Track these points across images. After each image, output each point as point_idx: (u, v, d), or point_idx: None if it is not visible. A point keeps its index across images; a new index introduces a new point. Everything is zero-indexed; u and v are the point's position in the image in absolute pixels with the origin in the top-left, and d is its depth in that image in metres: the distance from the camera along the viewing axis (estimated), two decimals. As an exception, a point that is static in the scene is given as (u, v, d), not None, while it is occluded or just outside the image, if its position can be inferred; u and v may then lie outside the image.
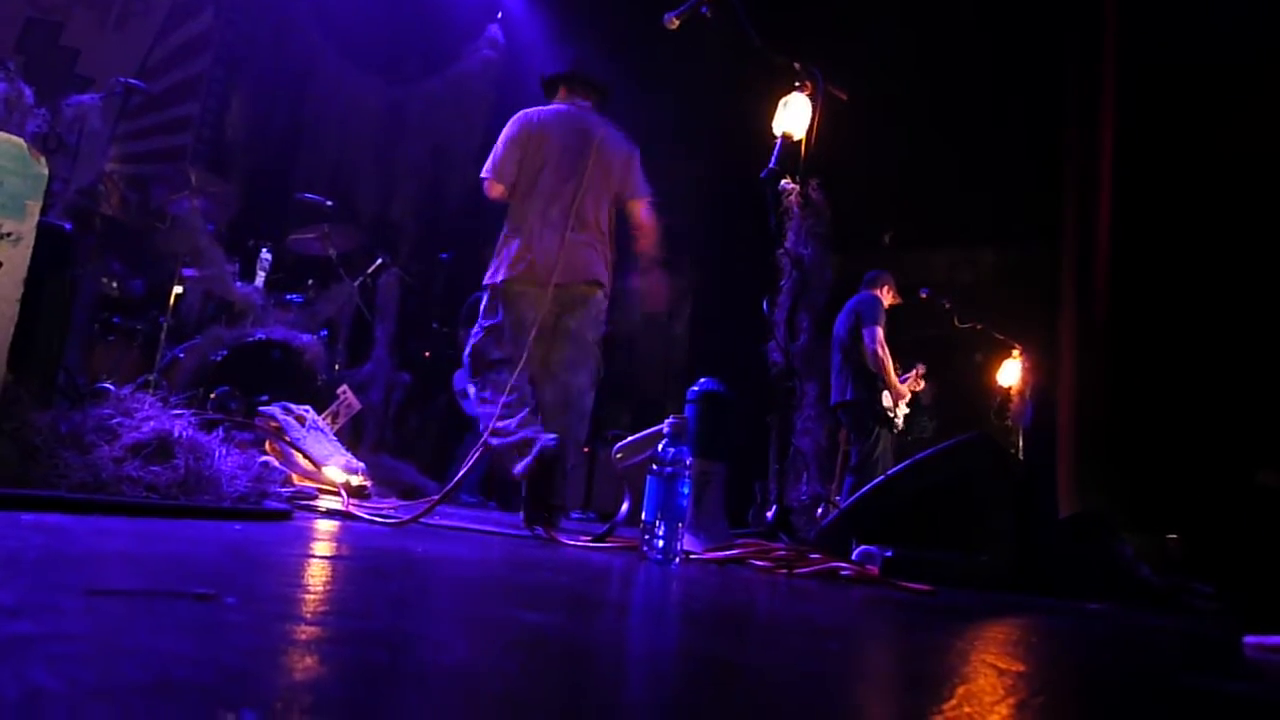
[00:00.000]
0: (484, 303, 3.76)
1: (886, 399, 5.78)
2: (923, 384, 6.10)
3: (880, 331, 5.80)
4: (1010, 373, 6.23)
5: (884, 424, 5.78)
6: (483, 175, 3.84)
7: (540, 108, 3.96)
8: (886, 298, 6.01)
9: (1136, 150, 5.71)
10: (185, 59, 6.99)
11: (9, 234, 2.25)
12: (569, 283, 3.70)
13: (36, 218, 2.31)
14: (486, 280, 3.75)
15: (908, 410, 5.98)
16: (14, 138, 2.23)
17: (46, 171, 2.35)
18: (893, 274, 6.15)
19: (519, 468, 3.29)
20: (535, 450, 3.23)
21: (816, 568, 2.51)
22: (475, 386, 3.73)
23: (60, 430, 2.03)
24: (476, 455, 3.43)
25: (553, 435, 3.30)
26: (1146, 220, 5.63)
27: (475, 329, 3.77)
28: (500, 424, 3.46)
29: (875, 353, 5.73)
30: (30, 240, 2.27)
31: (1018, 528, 3.17)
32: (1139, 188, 5.71)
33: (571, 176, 3.77)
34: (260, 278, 5.60)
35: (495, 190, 3.82)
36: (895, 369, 6.03)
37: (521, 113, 3.89)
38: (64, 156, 4.77)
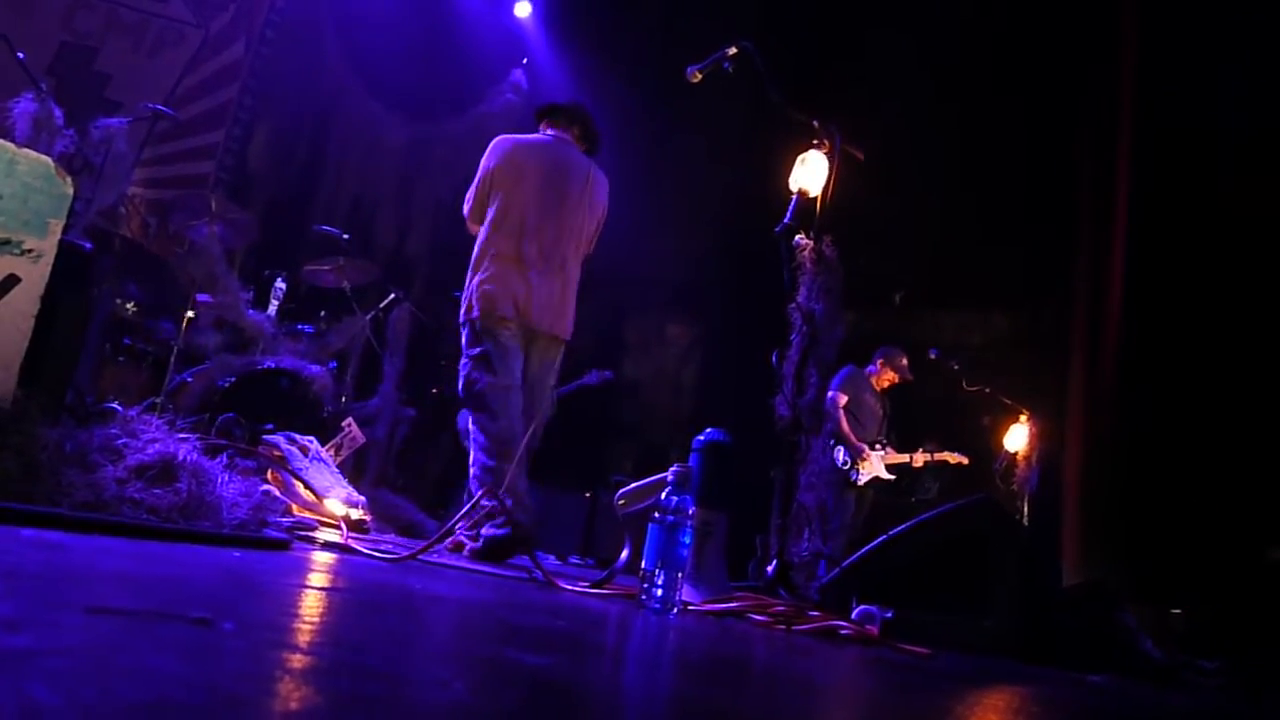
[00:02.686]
0: (465, 336, 3.73)
1: (840, 454, 5.89)
2: (921, 463, 6.19)
3: (842, 398, 6.08)
4: (1017, 437, 6.21)
5: (843, 482, 5.92)
6: (465, 211, 3.85)
7: (520, 135, 3.93)
8: (881, 375, 6.19)
9: (1149, 216, 5.74)
10: (214, 89, 7.11)
11: (30, 250, 2.27)
12: (543, 331, 3.72)
13: (58, 236, 2.33)
14: (465, 316, 3.70)
15: (890, 477, 6.05)
16: (42, 156, 2.27)
17: (71, 191, 2.38)
18: (901, 350, 6.28)
19: (486, 533, 3.33)
20: (504, 532, 3.27)
21: (815, 625, 2.48)
22: (471, 419, 3.70)
23: (65, 448, 2.03)
24: (478, 497, 3.41)
25: (524, 517, 3.34)
26: (1158, 288, 5.64)
27: (463, 361, 3.74)
28: (487, 465, 3.49)
29: (829, 413, 5.86)
30: (51, 258, 2.29)
31: (1020, 593, 3.13)
32: (1151, 254, 5.74)
33: (551, 215, 3.74)
34: (273, 307, 5.64)
35: (469, 225, 3.86)
36: (880, 444, 6.12)
37: (498, 141, 3.85)
38: (89, 177, 4.84)
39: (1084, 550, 6.07)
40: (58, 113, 4.05)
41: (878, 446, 6.11)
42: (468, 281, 3.72)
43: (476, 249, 3.75)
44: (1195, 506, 5.29)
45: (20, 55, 4.20)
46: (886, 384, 6.26)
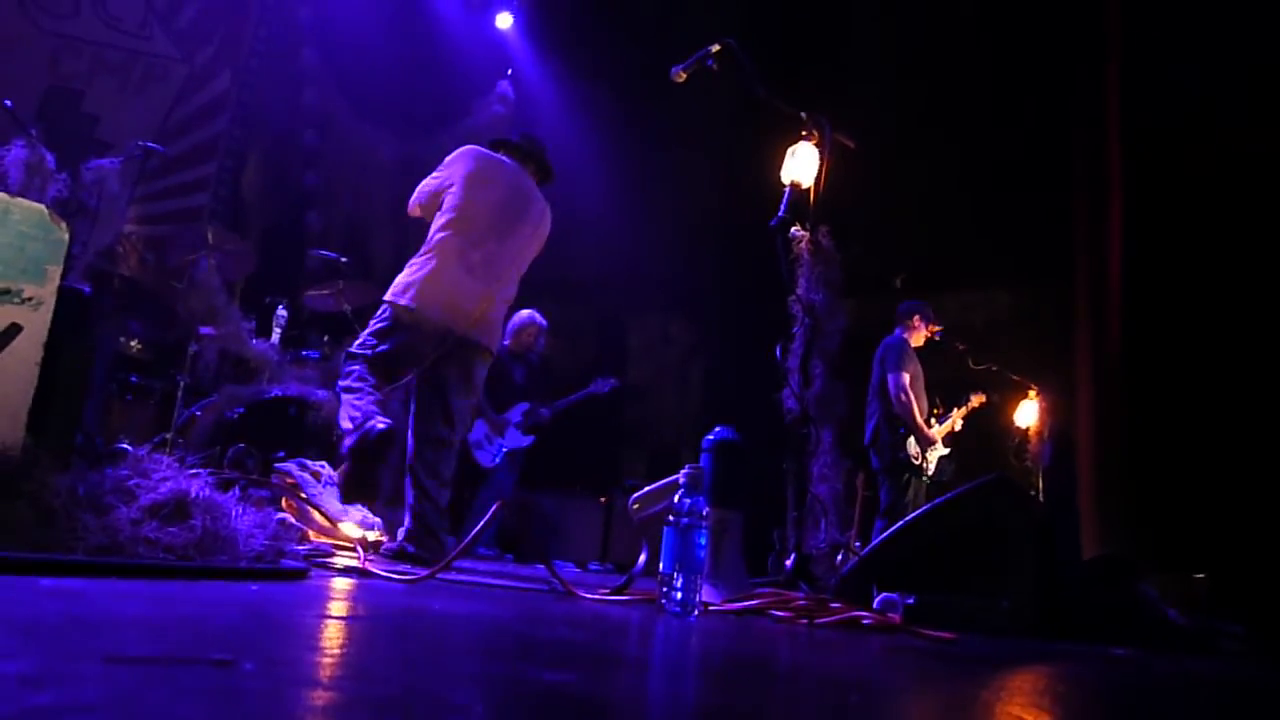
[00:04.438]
0: (383, 317, 3.73)
1: (912, 446, 5.73)
2: (960, 423, 6.04)
3: (905, 378, 5.76)
4: (1028, 413, 6.19)
5: (911, 471, 5.74)
6: (412, 196, 3.88)
7: (491, 152, 3.99)
8: (916, 336, 5.98)
9: (1146, 185, 5.73)
10: (202, 121, 7.13)
11: (30, 298, 2.28)
12: (476, 341, 3.72)
13: (57, 282, 2.34)
14: (393, 297, 3.70)
15: (946, 451, 5.92)
16: (36, 205, 2.28)
17: (67, 236, 2.39)
18: (927, 304, 6.10)
19: (348, 442, 3.42)
20: (364, 429, 3.37)
21: (837, 617, 2.48)
22: (351, 377, 3.67)
23: (78, 493, 2.04)
24: (493, 510, 3.42)
25: (387, 420, 3.39)
26: (1159, 255, 5.63)
27: (364, 337, 3.74)
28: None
29: (899, 399, 5.71)
30: (51, 304, 2.30)
31: (1040, 571, 3.13)
32: (1150, 221, 5.72)
33: (506, 236, 3.81)
34: (276, 335, 5.65)
35: (415, 212, 3.90)
36: (938, 411, 5.99)
37: (475, 149, 3.92)
38: (84, 219, 4.86)
39: (1102, 521, 6.05)
40: (49, 158, 4.07)
41: (934, 421, 5.96)
42: (410, 267, 3.74)
43: (429, 239, 3.78)
44: (1212, 470, 5.28)
45: (8, 103, 4.21)
46: (920, 343, 6.06)
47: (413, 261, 3.76)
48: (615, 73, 7.24)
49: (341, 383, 3.70)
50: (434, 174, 3.89)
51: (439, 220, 3.77)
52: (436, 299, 3.63)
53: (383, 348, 3.66)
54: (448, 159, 3.88)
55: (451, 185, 3.79)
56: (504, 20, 7.82)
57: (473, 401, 3.93)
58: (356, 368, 3.68)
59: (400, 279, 3.74)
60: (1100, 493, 6.03)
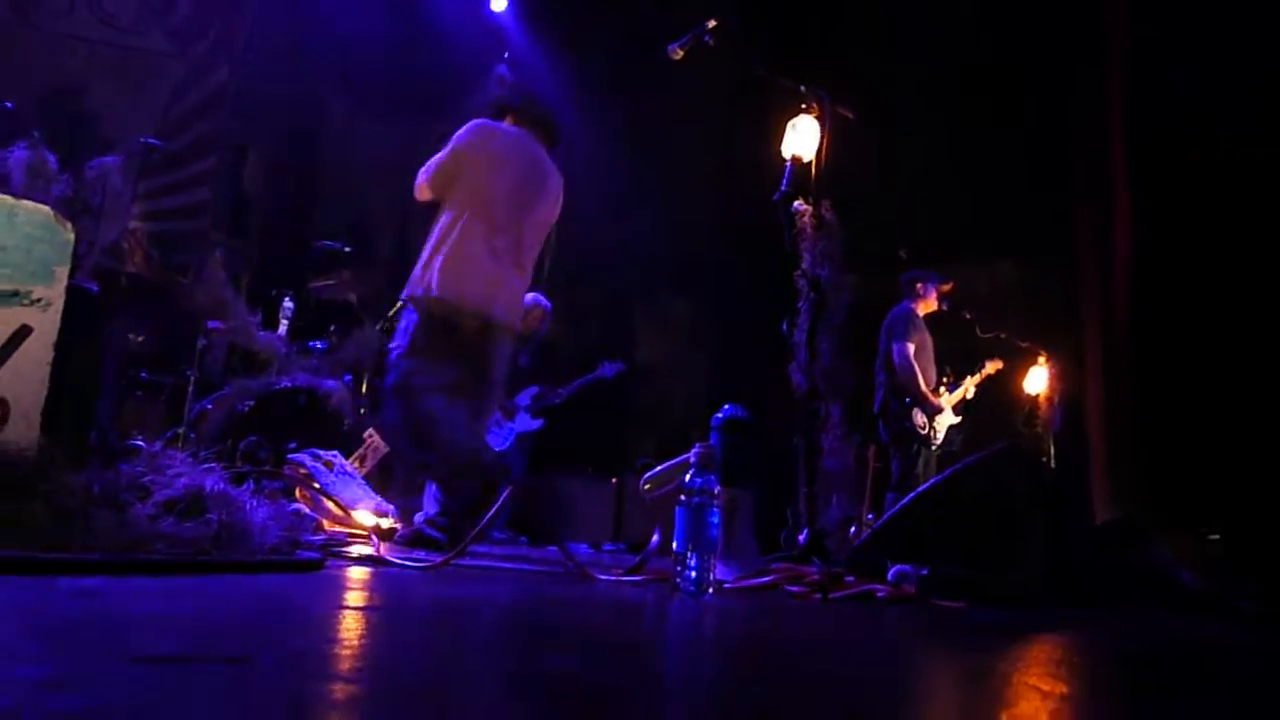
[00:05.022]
0: (411, 319, 3.53)
1: (918, 416, 5.73)
2: (974, 390, 6.01)
3: (909, 347, 5.75)
4: (1037, 380, 6.17)
5: (919, 441, 5.74)
6: (420, 178, 3.71)
7: (499, 124, 3.84)
8: (923, 305, 5.96)
9: (1148, 151, 5.69)
10: (202, 116, 7.12)
11: (39, 300, 2.29)
12: (501, 321, 3.64)
13: (65, 282, 2.35)
14: (414, 292, 3.52)
15: (956, 420, 5.91)
16: (42, 206, 2.28)
17: (73, 236, 2.40)
18: (936, 273, 6.07)
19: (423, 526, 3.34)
20: (440, 537, 3.28)
21: (851, 591, 2.49)
22: (400, 415, 3.48)
23: (94, 491, 2.06)
24: (505, 495, 3.43)
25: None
26: (1165, 215, 5.60)
27: (398, 351, 3.51)
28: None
29: (904, 368, 5.70)
30: (60, 305, 2.31)
31: (1052, 538, 3.13)
32: (1154, 183, 5.69)
33: (527, 214, 3.71)
34: (283, 326, 5.67)
35: (425, 195, 3.72)
36: (946, 381, 5.97)
37: (481, 123, 3.75)
38: (89, 218, 4.86)
39: (1114, 485, 6.05)
40: (51, 158, 4.06)
41: (942, 390, 5.93)
42: (426, 258, 3.56)
43: (440, 227, 3.62)
44: (1223, 431, 5.26)
45: (9, 105, 4.21)
46: (930, 310, 6.02)
47: (431, 250, 3.57)
48: (613, 51, 7.19)
49: (403, 406, 3.48)
50: (444, 153, 3.69)
51: (455, 203, 3.62)
52: (466, 285, 3.51)
53: (422, 342, 3.47)
54: (457, 135, 3.68)
55: (465, 165, 3.64)
56: (498, 2, 7.75)
57: (503, 383, 3.89)
58: (399, 407, 3.49)
59: (420, 270, 3.55)
60: (1112, 456, 6.02)
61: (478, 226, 3.59)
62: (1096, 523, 4.24)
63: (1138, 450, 5.79)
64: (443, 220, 3.65)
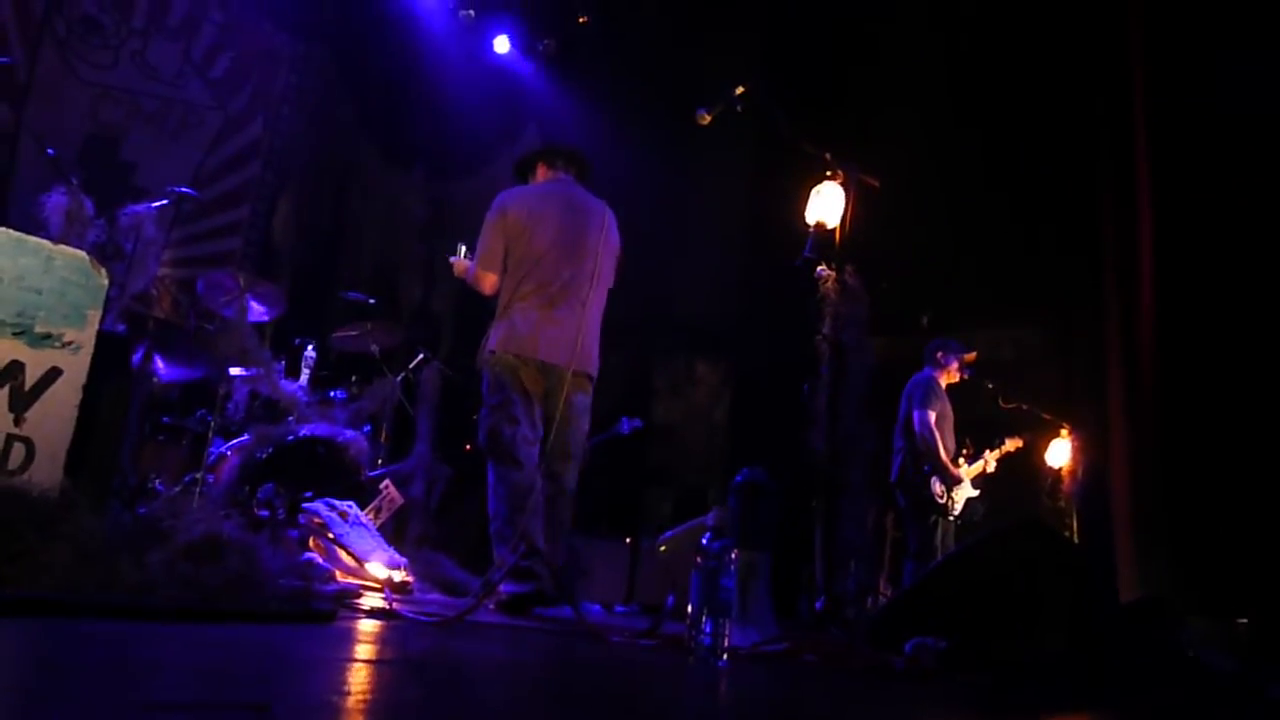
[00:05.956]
0: (486, 382, 3.72)
1: (936, 485, 5.67)
2: (994, 465, 5.95)
3: (930, 415, 5.71)
4: (1060, 453, 6.09)
5: (936, 511, 5.67)
6: (470, 270, 3.82)
7: (525, 187, 3.97)
8: (946, 374, 5.93)
9: (1175, 216, 5.67)
10: (236, 167, 7.28)
11: (70, 342, 2.33)
12: (566, 367, 3.66)
13: (96, 326, 2.40)
14: (481, 357, 3.71)
15: (975, 493, 5.84)
16: (78, 252, 2.34)
17: (107, 282, 2.45)
18: (959, 343, 6.03)
19: (507, 589, 3.34)
20: (526, 588, 3.30)
21: (869, 662, 2.44)
22: (491, 468, 3.65)
23: (115, 534, 2.06)
24: (521, 551, 3.40)
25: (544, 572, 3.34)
26: (1191, 286, 5.55)
27: (484, 410, 3.70)
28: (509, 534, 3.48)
29: (923, 435, 5.66)
30: (90, 348, 2.35)
31: (1076, 615, 3.07)
32: (1181, 253, 5.66)
33: (576, 257, 3.78)
34: (305, 375, 5.70)
35: (487, 282, 3.80)
36: (966, 453, 5.91)
37: (504, 194, 3.87)
38: (120, 263, 4.94)
39: (1139, 564, 5.93)
40: (88, 204, 4.15)
41: (962, 461, 5.87)
42: (495, 320, 3.75)
43: (501, 294, 3.78)
44: (1253, 508, 5.16)
45: (51, 151, 4.32)
46: (951, 380, 5.98)
47: (498, 316, 3.76)
48: (640, 114, 7.32)
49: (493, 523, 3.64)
50: (481, 238, 3.83)
51: (509, 275, 3.76)
52: (530, 339, 3.63)
53: (495, 400, 3.64)
54: (489, 218, 3.82)
55: (503, 239, 3.77)
56: (501, 44, 7.82)
57: (585, 430, 3.90)
58: (491, 467, 3.65)
59: (488, 336, 3.75)
60: (1137, 533, 5.91)
61: (528, 285, 3.71)
62: (1121, 601, 4.15)
63: (1164, 528, 5.68)
64: (503, 287, 3.79)
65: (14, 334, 2.23)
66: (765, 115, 3.95)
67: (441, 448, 6.23)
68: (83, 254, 2.35)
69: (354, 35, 7.78)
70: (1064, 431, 6.08)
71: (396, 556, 3.99)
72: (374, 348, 5.89)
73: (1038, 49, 6.48)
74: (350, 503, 4.27)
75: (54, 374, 2.27)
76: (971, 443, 5.96)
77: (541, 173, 4.04)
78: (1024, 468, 6.20)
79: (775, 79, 4.01)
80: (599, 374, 3.93)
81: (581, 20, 7.58)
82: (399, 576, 3.80)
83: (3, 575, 1.70)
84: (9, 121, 6.35)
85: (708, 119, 4.00)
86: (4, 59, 5.57)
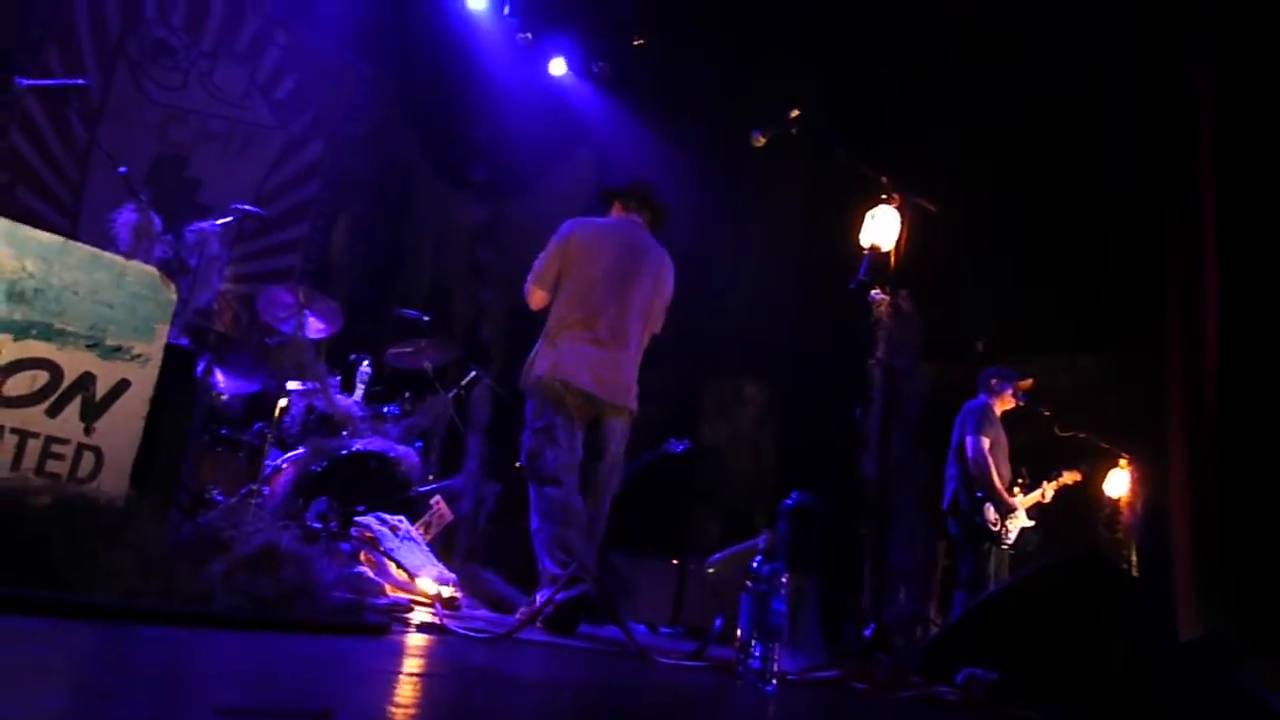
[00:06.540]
0: (529, 406, 3.77)
1: (990, 512, 5.56)
2: (1050, 495, 5.83)
3: (985, 441, 5.62)
4: (1118, 483, 5.94)
5: (989, 539, 5.56)
6: (526, 283, 3.90)
7: (593, 218, 4.05)
8: (1000, 401, 5.84)
9: (1240, 243, 5.53)
10: (297, 185, 7.46)
11: (139, 355, 2.40)
12: (609, 401, 3.73)
13: (164, 339, 2.47)
14: (524, 381, 3.76)
15: (1030, 523, 5.72)
16: (149, 268, 2.41)
17: (175, 296, 2.52)
18: (1015, 370, 5.92)
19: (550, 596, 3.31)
20: (573, 592, 3.28)
21: (918, 692, 2.40)
22: (532, 489, 3.68)
23: (176, 543, 2.12)
24: (570, 570, 3.41)
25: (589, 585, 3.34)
26: (1258, 315, 5.40)
27: (526, 433, 3.74)
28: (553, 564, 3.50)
29: (977, 461, 5.57)
30: (158, 361, 2.42)
31: (1134, 652, 2.99)
32: (1245, 283, 5.51)
33: (625, 296, 3.82)
34: (360, 390, 5.80)
35: (537, 297, 3.88)
36: (1021, 483, 5.80)
37: (571, 221, 3.96)
38: (185, 278, 5.08)
39: (1199, 600, 5.75)
40: (157, 221, 4.28)
41: (1017, 490, 5.78)
42: (537, 347, 3.80)
43: (549, 319, 3.84)
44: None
45: (123, 170, 4.47)
46: (1006, 407, 5.89)
47: (544, 342, 3.81)
48: (696, 136, 7.35)
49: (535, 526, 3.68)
50: (542, 255, 3.91)
51: (559, 301, 3.83)
52: (566, 368, 3.68)
53: (539, 424, 3.69)
54: (553, 240, 3.91)
55: (562, 261, 3.84)
56: (557, 66, 7.89)
57: (622, 461, 3.94)
58: (533, 491, 3.69)
59: (530, 362, 3.79)
60: (1198, 569, 5.73)
61: (576, 314, 3.76)
62: (1182, 639, 4.03)
63: (1227, 563, 5.51)
64: (552, 310, 3.85)
65: (87, 346, 2.31)
66: (820, 138, 3.95)
67: (491, 465, 6.28)
68: (153, 269, 2.43)
69: (413, 57, 7.94)
70: (1122, 462, 5.94)
71: (446, 572, 4.03)
72: (427, 365, 5.97)
73: (1096, 70, 6.39)
74: (401, 517, 4.33)
75: (123, 385, 2.34)
76: (1027, 472, 5.84)
77: (616, 209, 4.11)
78: (1081, 498, 6.06)
79: (831, 102, 4.01)
80: (642, 395, 3.95)
81: (637, 43, 7.63)
82: (448, 592, 3.83)
83: (71, 580, 1.75)
84: (83, 140, 6.59)
85: (763, 141, 4.01)
86: (81, 81, 5.76)
